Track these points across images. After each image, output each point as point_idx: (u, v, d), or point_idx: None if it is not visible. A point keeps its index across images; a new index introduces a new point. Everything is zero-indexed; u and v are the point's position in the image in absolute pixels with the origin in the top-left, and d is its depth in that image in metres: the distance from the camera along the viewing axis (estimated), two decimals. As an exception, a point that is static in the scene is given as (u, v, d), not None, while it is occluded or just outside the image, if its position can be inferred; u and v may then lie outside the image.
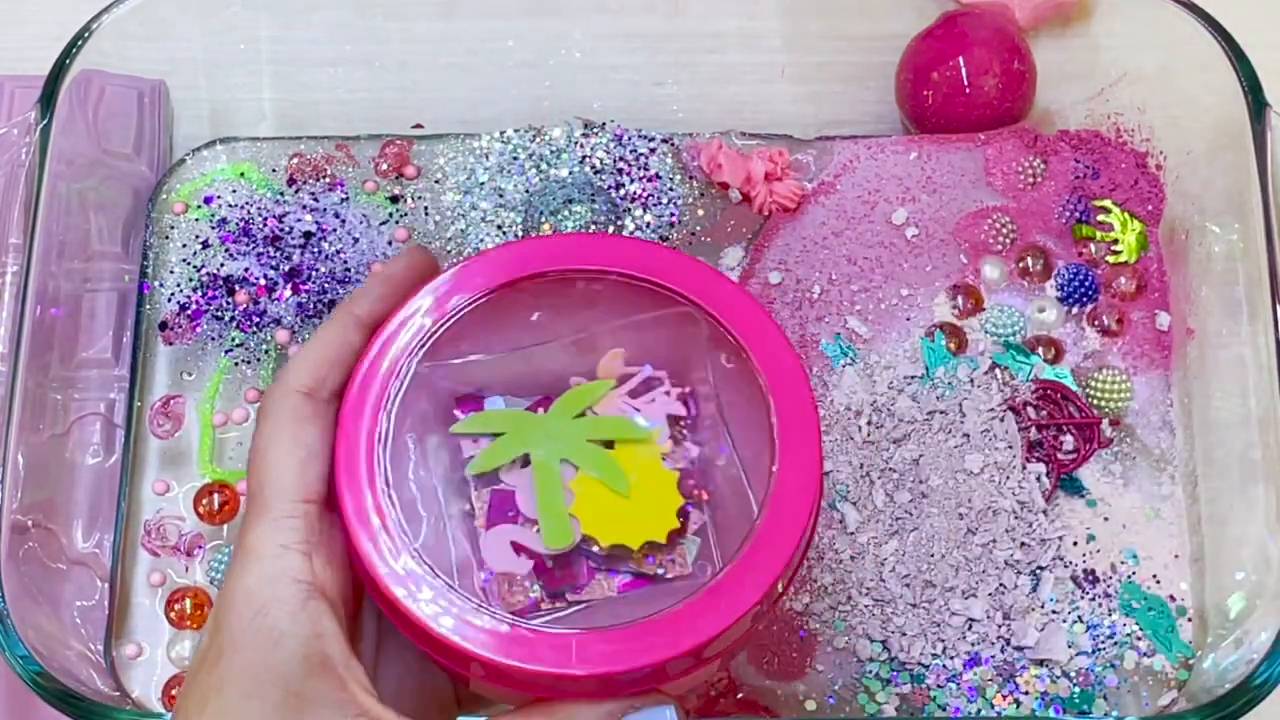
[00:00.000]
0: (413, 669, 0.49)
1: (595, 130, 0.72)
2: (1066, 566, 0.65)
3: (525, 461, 0.47)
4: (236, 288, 0.69)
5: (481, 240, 0.69)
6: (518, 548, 0.47)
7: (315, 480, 0.46)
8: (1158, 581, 0.65)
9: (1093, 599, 0.64)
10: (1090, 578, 0.65)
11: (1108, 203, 0.71)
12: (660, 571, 0.47)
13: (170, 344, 0.69)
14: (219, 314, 0.69)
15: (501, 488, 0.48)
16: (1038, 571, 0.64)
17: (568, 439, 0.47)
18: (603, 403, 0.48)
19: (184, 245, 0.71)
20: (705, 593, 0.44)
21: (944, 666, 0.63)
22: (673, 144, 0.72)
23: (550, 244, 0.50)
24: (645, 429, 0.48)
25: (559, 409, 0.48)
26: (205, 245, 0.70)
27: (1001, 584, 0.64)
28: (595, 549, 0.47)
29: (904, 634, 0.63)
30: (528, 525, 0.47)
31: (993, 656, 0.63)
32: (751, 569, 0.45)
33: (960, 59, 0.70)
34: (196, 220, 0.71)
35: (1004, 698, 0.62)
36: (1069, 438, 0.66)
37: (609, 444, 0.48)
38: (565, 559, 0.47)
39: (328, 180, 0.72)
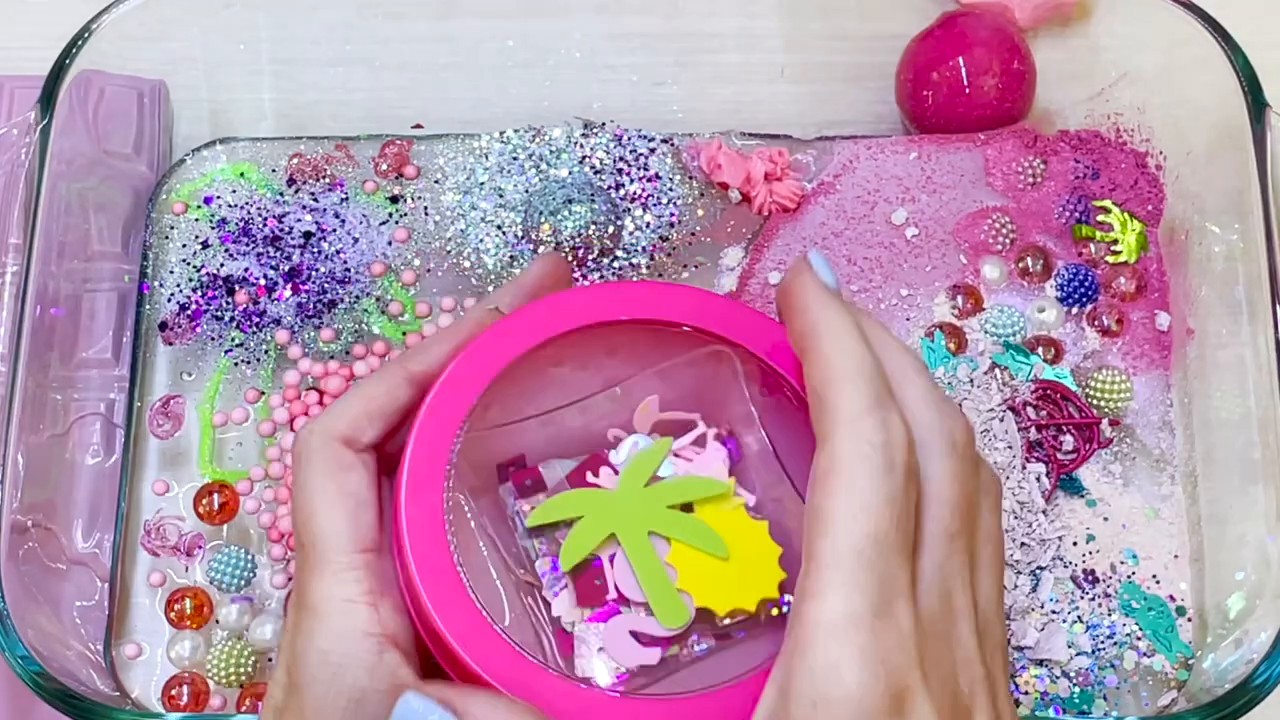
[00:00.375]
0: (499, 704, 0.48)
1: (595, 130, 0.72)
2: (1066, 566, 0.65)
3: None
4: (236, 288, 0.69)
5: (481, 240, 0.70)
6: (637, 636, 0.46)
7: (368, 529, 0.45)
8: (1157, 581, 0.65)
9: (1093, 599, 0.64)
10: (1090, 578, 0.65)
11: (1108, 203, 0.70)
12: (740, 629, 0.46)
13: (170, 344, 0.69)
14: (219, 314, 0.69)
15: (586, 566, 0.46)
16: (1037, 571, 0.64)
17: (648, 510, 0.46)
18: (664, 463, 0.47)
19: (184, 245, 0.71)
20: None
21: (944, 666, 0.63)
22: (673, 144, 0.72)
23: (569, 299, 0.48)
24: (723, 484, 0.47)
25: (628, 478, 0.46)
26: (205, 245, 0.70)
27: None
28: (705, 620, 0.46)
29: (904, 634, 0.63)
30: (633, 608, 0.46)
31: (993, 656, 0.63)
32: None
33: (960, 59, 0.70)
34: (196, 220, 0.71)
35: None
36: (1069, 438, 0.66)
37: (688, 506, 0.47)
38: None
39: (328, 180, 0.72)
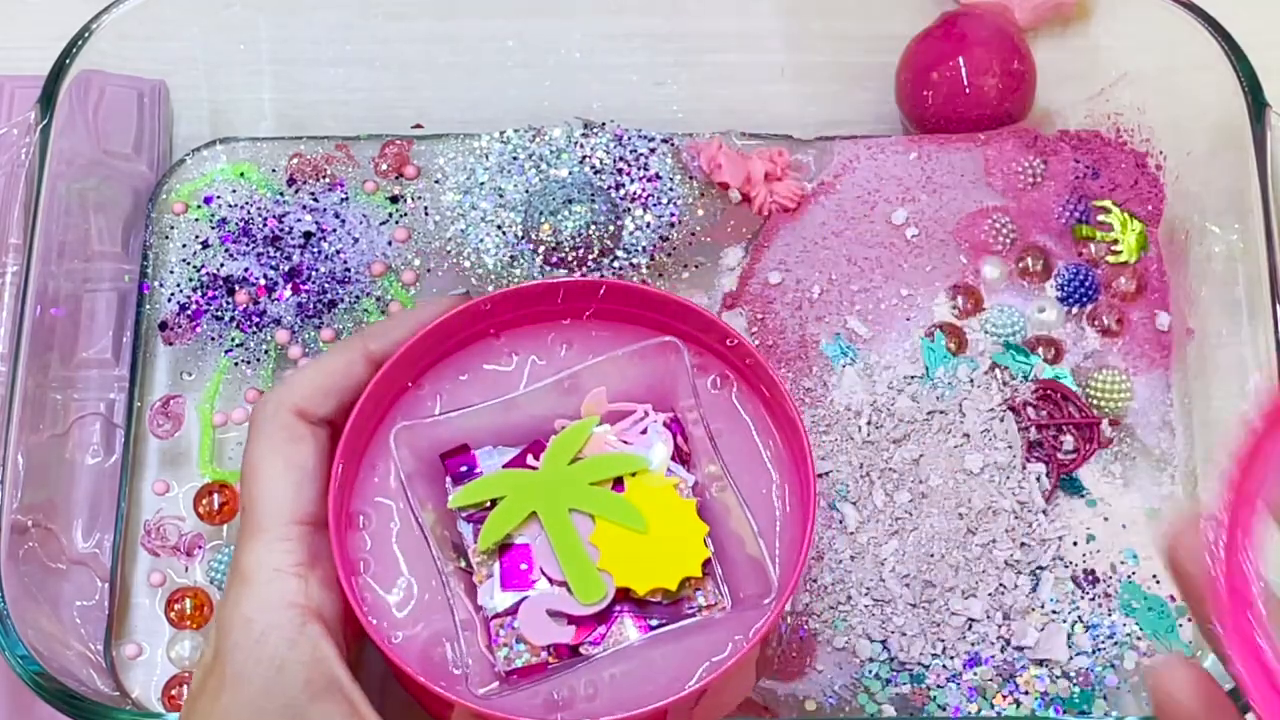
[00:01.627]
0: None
1: (595, 130, 0.72)
2: (1066, 566, 0.65)
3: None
4: (236, 288, 0.69)
5: (481, 240, 0.69)
6: (554, 614, 0.46)
7: (309, 501, 0.45)
8: (1158, 581, 0.65)
9: (1093, 599, 0.64)
10: (1090, 578, 0.65)
11: (1108, 203, 0.70)
12: (699, 604, 0.47)
13: (170, 344, 0.69)
14: (219, 314, 0.69)
15: (513, 545, 0.47)
16: (1037, 571, 0.64)
17: (570, 487, 0.46)
18: (592, 443, 0.48)
19: (184, 245, 0.71)
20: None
21: (944, 666, 0.63)
22: (673, 144, 0.72)
23: (519, 293, 0.49)
24: (642, 457, 0.47)
25: (551, 458, 0.47)
26: (205, 245, 0.70)
27: (1001, 584, 0.64)
28: (631, 597, 0.46)
29: (904, 634, 0.63)
30: (554, 587, 0.46)
31: (993, 656, 0.63)
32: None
33: (960, 59, 0.70)
34: (196, 220, 0.71)
35: (1004, 698, 0.62)
36: (1069, 438, 0.66)
37: (618, 485, 0.47)
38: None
39: (328, 180, 0.72)
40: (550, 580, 0.46)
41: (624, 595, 0.46)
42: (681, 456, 0.49)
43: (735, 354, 0.50)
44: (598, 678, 0.45)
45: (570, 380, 0.49)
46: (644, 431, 0.48)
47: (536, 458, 0.48)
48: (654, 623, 0.46)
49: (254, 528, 0.45)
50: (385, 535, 0.47)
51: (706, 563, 0.47)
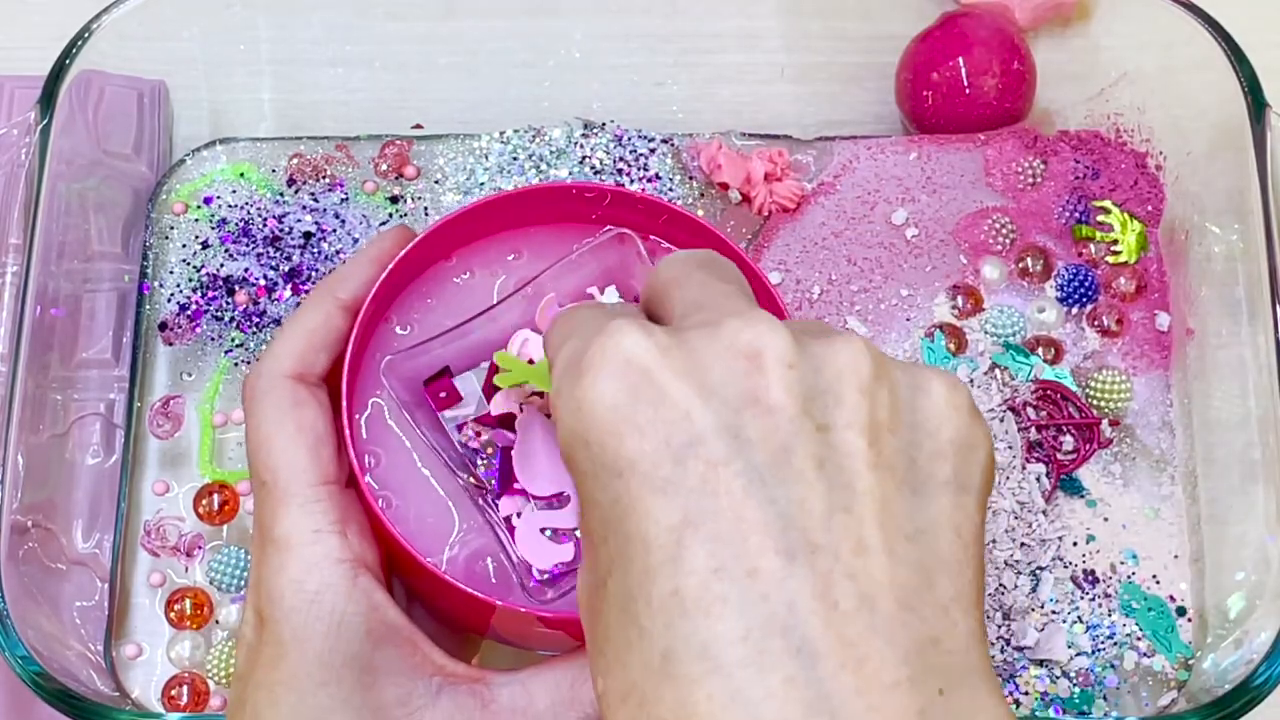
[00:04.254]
0: (442, 626, 0.49)
1: (595, 130, 0.72)
2: (1066, 567, 0.65)
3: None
4: (236, 288, 0.69)
5: (481, 240, 0.70)
6: (550, 533, 0.46)
7: (329, 461, 0.46)
8: (1157, 582, 0.65)
9: (1092, 599, 0.64)
10: (1090, 578, 0.65)
11: (1107, 203, 0.70)
12: None
13: (170, 344, 0.69)
14: (219, 314, 0.69)
15: (506, 447, 0.47)
16: (1037, 572, 0.64)
17: None
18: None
19: (184, 245, 0.71)
20: None
21: (944, 667, 0.62)
22: (673, 144, 0.72)
23: (471, 212, 0.50)
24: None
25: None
26: (205, 245, 0.70)
27: (1001, 584, 0.64)
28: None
29: (904, 634, 0.63)
30: (534, 504, 0.46)
31: (993, 657, 0.63)
32: None
33: (960, 59, 0.70)
34: (196, 220, 0.71)
35: (1004, 698, 0.62)
36: (1069, 438, 0.66)
37: None
38: None
39: (328, 180, 0.72)
40: (531, 497, 0.46)
41: None
42: None
43: (674, 226, 0.50)
44: None
45: (534, 288, 0.49)
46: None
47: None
48: None
49: (281, 496, 0.45)
50: (401, 469, 0.47)
51: None
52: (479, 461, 0.47)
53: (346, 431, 0.46)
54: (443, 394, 0.48)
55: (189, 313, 0.69)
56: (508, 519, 0.47)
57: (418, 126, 0.74)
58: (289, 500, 0.44)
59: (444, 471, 0.48)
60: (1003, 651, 0.63)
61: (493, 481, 0.47)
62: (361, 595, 0.44)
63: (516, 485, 0.46)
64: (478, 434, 0.47)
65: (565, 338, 0.36)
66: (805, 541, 0.31)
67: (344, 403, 0.46)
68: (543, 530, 0.46)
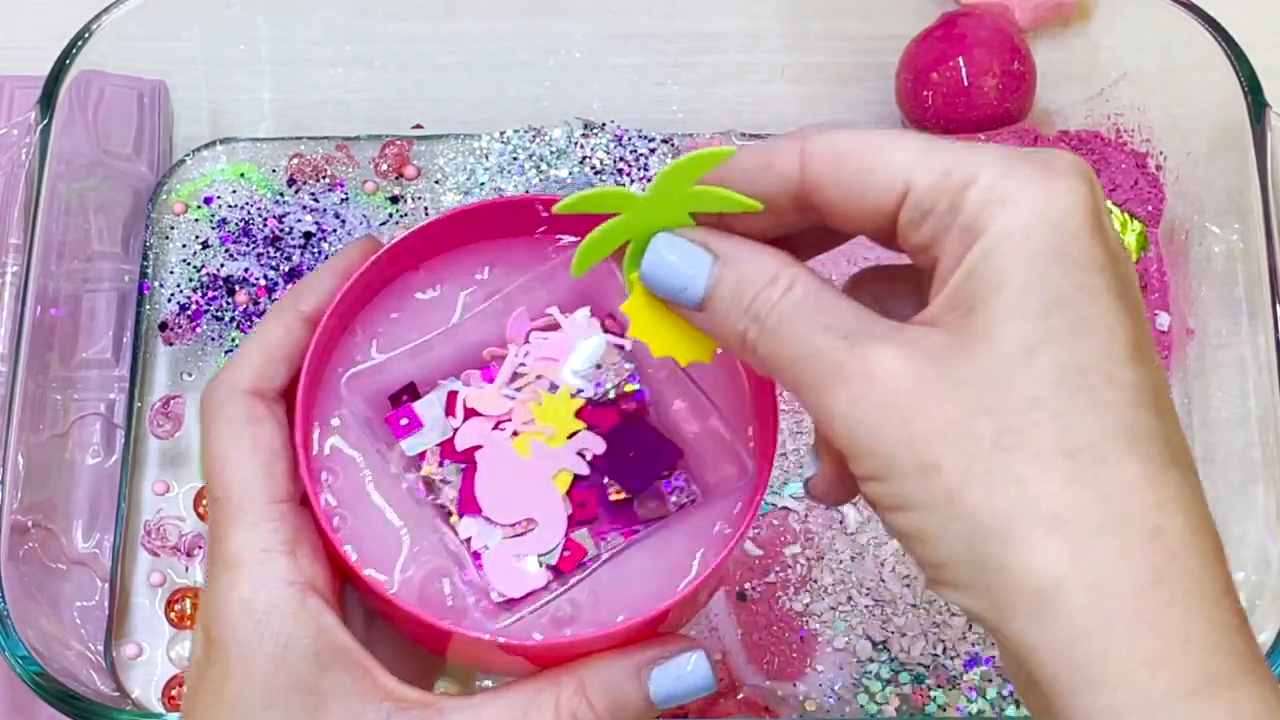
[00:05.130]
0: (405, 645, 0.49)
1: (595, 130, 0.72)
2: (1066, 566, 0.65)
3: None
4: (236, 288, 0.69)
5: (481, 240, 0.70)
6: (521, 558, 0.46)
7: (283, 478, 0.45)
8: (1158, 581, 0.65)
9: (1093, 599, 0.64)
10: (1090, 578, 0.64)
11: (1108, 203, 0.70)
12: (673, 500, 0.47)
13: (170, 344, 0.69)
14: (219, 314, 0.69)
15: (468, 465, 0.47)
16: (1038, 571, 0.64)
17: (670, 213, 0.41)
18: (548, 370, 0.48)
19: (184, 245, 0.71)
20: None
21: (944, 666, 0.63)
22: (673, 144, 0.72)
23: (440, 225, 0.49)
24: (726, 150, 0.41)
25: (663, 183, 0.41)
26: (205, 245, 0.70)
27: (1001, 584, 0.63)
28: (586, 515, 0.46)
29: (904, 634, 0.63)
30: (498, 530, 0.46)
31: (993, 656, 0.63)
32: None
33: (960, 59, 0.70)
34: (196, 220, 0.71)
35: (1004, 698, 0.62)
36: (1069, 438, 0.66)
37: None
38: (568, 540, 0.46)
39: (328, 180, 0.72)
40: (494, 523, 0.46)
41: (585, 514, 0.46)
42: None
43: None
44: (597, 587, 0.45)
45: (504, 302, 0.49)
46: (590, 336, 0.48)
47: (469, 385, 0.48)
48: (636, 529, 0.46)
49: (233, 513, 0.44)
50: (359, 487, 0.47)
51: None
52: (438, 483, 0.47)
53: (300, 449, 0.45)
54: (403, 421, 0.48)
55: (189, 313, 0.69)
56: (467, 541, 0.46)
57: (418, 126, 0.74)
58: (240, 518, 0.44)
59: (402, 491, 0.47)
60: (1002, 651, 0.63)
61: (454, 502, 0.47)
62: (310, 617, 0.43)
63: (478, 508, 0.46)
64: (440, 463, 0.47)
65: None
66: None
67: (299, 418, 0.46)
68: (515, 557, 0.46)
